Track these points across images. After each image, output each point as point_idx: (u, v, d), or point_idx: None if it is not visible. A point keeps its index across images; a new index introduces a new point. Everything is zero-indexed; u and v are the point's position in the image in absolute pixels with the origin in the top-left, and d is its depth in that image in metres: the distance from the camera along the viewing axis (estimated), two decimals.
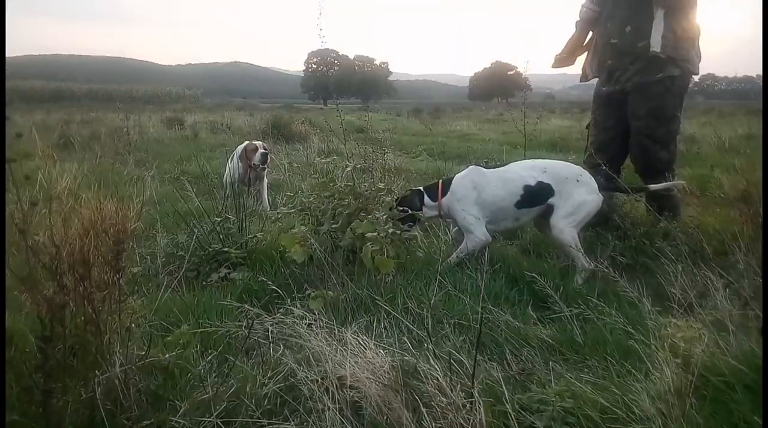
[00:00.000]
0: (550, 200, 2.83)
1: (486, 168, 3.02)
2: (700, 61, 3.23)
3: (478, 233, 2.80)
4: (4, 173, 1.33)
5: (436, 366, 1.42)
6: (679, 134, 3.32)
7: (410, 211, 2.80)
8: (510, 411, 1.40)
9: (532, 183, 2.84)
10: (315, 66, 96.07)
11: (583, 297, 2.23)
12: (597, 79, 3.45)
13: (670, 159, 3.23)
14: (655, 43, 3.07)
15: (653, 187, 3.04)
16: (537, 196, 2.84)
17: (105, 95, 48.54)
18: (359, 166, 4.22)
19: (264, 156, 4.90)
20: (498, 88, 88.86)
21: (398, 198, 2.84)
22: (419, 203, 2.91)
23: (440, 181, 3.03)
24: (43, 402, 1.40)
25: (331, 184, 2.59)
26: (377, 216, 2.33)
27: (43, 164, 6.49)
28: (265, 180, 5.14)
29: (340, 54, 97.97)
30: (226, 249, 2.74)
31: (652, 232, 2.91)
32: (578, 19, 3.42)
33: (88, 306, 1.52)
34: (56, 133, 10.02)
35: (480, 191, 2.86)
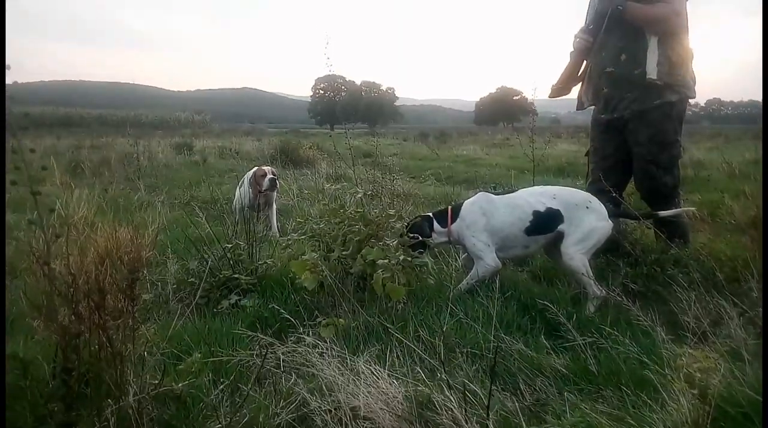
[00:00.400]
0: (560, 227, 2.83)
1: (495, 194, 3.03)
2: (695, 84, 3.25)
3: (488, 259, 2.80)
4: (4, 175, 1.35)
5: (451, 397, 1.41)
6: (681, 158, 3.31)
7: (420, 238, 2.80)
8: None
9: (542, 209, 2.85)
10: (322, 91, 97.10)
11: (596, 325, 2.21)
12: (594, 106, 3.47)
13: (675, 183, 3.24)
14: (651, 70, 3.09)
15: (663, 213, 3.04)
16: (547, 222, 2.85)
17: (115, 121, 49.11)
18: (369, 192, 4.25)
19: (273, 181, 4.93)
20: (504, 112, 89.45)
21: (408, 224, 2.85)
22: (428, 229, 2.92)
23: (449, 206, 3.04)
24: None
25: (341, 211, 2.61)
26: (388, 243, 2.34)
27: (56, 190, 6.58)
28: (274, 205, 5.16)
29: (347, 80, 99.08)
30: (236, 275, 2.75)
31: (663, 259, 2.89)
32: (572, 49, 3.44)
33: (102, 335, 1.53)
34: (66, 158, 10.15)
35: (489, 217, 2.87)
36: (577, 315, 2.39)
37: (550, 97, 3.62)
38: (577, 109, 3.59)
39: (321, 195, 6.30)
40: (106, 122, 47.60)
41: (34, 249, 1.30)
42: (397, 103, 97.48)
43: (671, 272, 2.76)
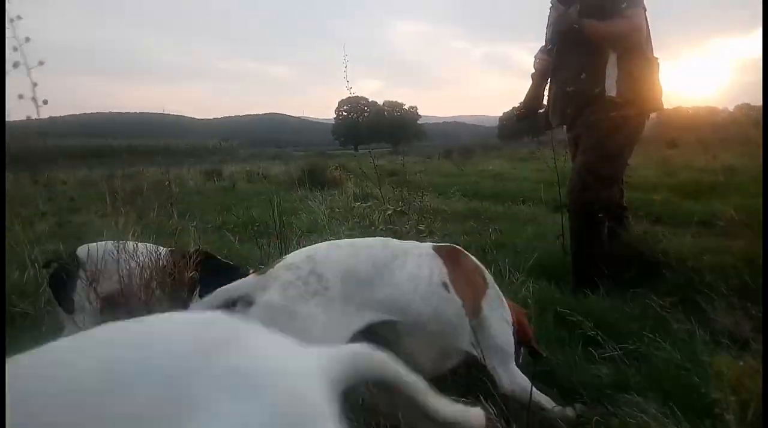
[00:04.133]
0: None
1: None
2: (662, 94, 3.14)
3: None
4: (4, 176, 1.41)
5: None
6: (622, 176, 3.18)
7: None
8: None
9: None
10: (345, 113, 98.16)
11: (636, 334, 2.19)
12: (564, 126, 3.37)
13: (610, 202, 3.08)
14: (610, 87, 2.99)
15: None
16: None
17: (144, 150, 50.34)
18: (398, 208, 4.28)
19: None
20: (528, 126, 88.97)
21: None
22: None
23: None
24: None
25: (371, 228, 2.63)
26: None
27: (91, 218, 6.77)
28: None
29: (370, 101, 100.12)
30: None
31: (698, 267, 2.85)
32: (533, 70, 3.34)
33: None
34: (99, 187, 10.44)
35: None
36: (614, 325, 2.37)
37: (518, 118, 3.52)
38: (546, 130, 3.52)
39: (350, 214, 6.37)
40: (136, 152, 48.76)
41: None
42: (420, 122, 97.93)
43: (708, 279, 2.71)
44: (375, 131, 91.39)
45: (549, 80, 3.33)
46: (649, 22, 3.04)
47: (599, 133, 3.02)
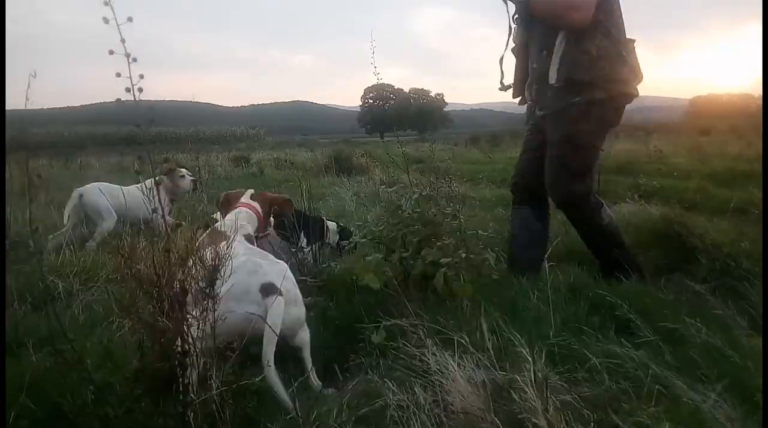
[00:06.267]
0: None
1: None
2: (638, 78, 2.83)
3: None
4: (4, 174, 1.44)
5: (527, 388, 1.40)
6: (596, 163, 2.97)
7: None
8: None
9: None
10: (371, 101, 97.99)
11: (672, 319, 2.15)
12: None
13: (585, 192, 2.89)
14: (553, 72, 2.80)
15: None
16: None
17: (174, 137, 51.06)
18: (425, 192, 4.25)
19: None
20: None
21: None
22: None
23: None
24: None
25: (399, 212, 2.63)
26: (446, 242, 2.34)
27: None
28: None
29: (396, 88, 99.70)
30: (303, 277, 2.82)
31: (734, 254, 2.78)
32: (513, 45, 3.15)
33: (186, 332, 1.61)
34: (131, 173, 10.63)
35: None
36: (649, 310, 2.32)
37: (514, 97, 3.26)
38: (519, 104, 3.22)
39: (377, 199, 6.39)
40: (166, 139, 49.47)
41: (122, 251, 1.39)
42: (446, 109, 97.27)
43: (746, 266, 2.65)
44: (401, 118, 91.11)
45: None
46: (619, 3, 2.81)
47: (565, 122, 2.84)
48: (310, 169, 12.48)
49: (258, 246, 2.44)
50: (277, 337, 1.78)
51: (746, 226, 4.41)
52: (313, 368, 2.04)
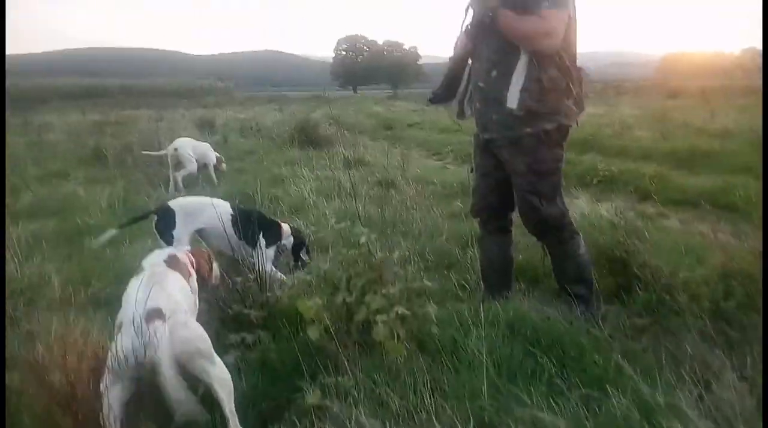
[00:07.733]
0: None
1: None
2: (581, 110, 2.80)
3: None
4: (4, 178, 1.39)
5: None
6: (562, 185, 2.95)
7: None
8: None
9: None
10: (344, 52, 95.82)
11: (599, 371, 2.20)
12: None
13: (561, 212, 2.89)
14: (513, 98, 2.70)
15: None
16: None
17: (138, 91, 49.48)
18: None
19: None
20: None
21: None
22: None
23: None
24: None
25: (345, 251, 2.58)
26: (392, 291, 2.31)
27: (78, 190, 6.71)
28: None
29: (369, 40, 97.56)
30: (246, 311, 2.79)
31: (671, 285, 2.81)
32: (452, 54, 3.03)
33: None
34: (90, 145, 10.31)
35: None
36: (583, 351, 2.37)
37: (432, 102, 3.20)
38: (456, 118, 3.12)
39: (336, 188, 6.32)
40: (131, 93, 47.94)
41: (32, 363, 1.35)
42: (420, 62, 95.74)
43: (681, 299, 2.70)
44: (374, 72, 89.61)
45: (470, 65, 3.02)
46: (576, 28, 2.72)
47: (526, 151, 2.80)
48: (276, 138, 12.28)
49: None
50: (168, 361, 1.80)
51: (693, 233, 4.52)
52: (235, 414, 1.97)
